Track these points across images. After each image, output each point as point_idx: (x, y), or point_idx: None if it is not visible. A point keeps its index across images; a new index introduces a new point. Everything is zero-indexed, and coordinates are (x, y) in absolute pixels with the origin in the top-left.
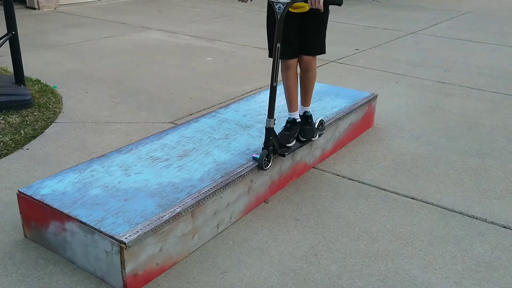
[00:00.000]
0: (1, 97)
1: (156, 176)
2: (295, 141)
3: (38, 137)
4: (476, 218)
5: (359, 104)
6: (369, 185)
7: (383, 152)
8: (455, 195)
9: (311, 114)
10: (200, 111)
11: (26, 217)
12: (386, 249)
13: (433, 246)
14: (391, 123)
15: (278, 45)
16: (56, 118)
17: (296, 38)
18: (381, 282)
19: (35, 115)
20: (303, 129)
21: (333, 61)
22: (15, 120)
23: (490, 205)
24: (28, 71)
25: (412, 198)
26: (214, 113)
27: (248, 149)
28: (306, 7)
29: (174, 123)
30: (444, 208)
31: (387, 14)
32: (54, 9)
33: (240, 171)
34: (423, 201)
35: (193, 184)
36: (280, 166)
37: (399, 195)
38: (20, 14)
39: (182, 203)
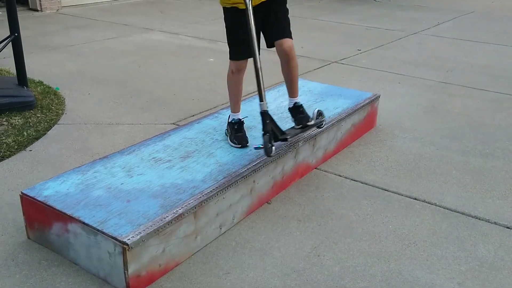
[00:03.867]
0: (4, 99)
1: (158, 177)
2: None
3: (41, 138)
4: (479, 219)
5: (362, 104)
6: (372, 185)
7: (385, 153)
8: (458, 196)
9: (301, 104)
10: (202, 112)
11: (29, 218)
12: (389, 250)
13: (436, 247)
14: (393, 123)
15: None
16: (59, 119)
17: (257, 35)
18: (384, 283)
19: (37, 117)
20: (296, 118)
21: (335, 62)
22: (18, 121)
23: (493, 206)
24: (31, 72)
25: (415, 199)
26: (216, 114)
27: (250, 149)
28: None
29: (177, 124)
30: (447, 209)
31: (389, 14)
32: (57, 10)
33: (243, 172)
34: (426, 202)
35: (195, 185)
36: (283, 167)
37: (402, 195)
38: (23, 16)
39: (185, 204)
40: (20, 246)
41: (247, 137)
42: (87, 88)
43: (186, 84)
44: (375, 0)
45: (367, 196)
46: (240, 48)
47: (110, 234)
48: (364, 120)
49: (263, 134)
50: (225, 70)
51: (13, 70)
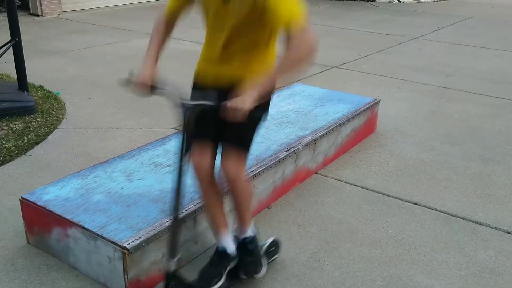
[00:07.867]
0: (5, 104)
1: (158, 182)
2: (223, 280)
3: (41, 143)
4: (480, 224)
5: (362, 109)
6: (372, 190)
7: (385, 158)
8: (458, 200)
9: (253, 237)
10: None
11: (29, 223)
12: (389, 255)
13: (437, 252)
14: (393, 128)
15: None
16: (59, 124)
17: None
18: None
19: (38, 121)
20: (244, 261)
21: (335, 67)
22: (18, 126)
23: (493, 211)
24: (31, 77)
25: (415, 204)
26: None
27: (250, 154)
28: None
29: (177, 129)
30: (448, 214)
31: (389, 20)
32: (58, 15)
33: None
34: (426, 207)
35: (195, 189)
36: (283, 172)
37: (402, 200)
38: (24, 21)
39: (185, 209)
40: (19, 251)
41: (215, 277)
42: (88, 92)
43: (187, 89)
44: (373, 4)
45: (367, 201)
46: None
47: (110, 239)
48: (364, 125)
49: None
50: None
51: (13, 75)
